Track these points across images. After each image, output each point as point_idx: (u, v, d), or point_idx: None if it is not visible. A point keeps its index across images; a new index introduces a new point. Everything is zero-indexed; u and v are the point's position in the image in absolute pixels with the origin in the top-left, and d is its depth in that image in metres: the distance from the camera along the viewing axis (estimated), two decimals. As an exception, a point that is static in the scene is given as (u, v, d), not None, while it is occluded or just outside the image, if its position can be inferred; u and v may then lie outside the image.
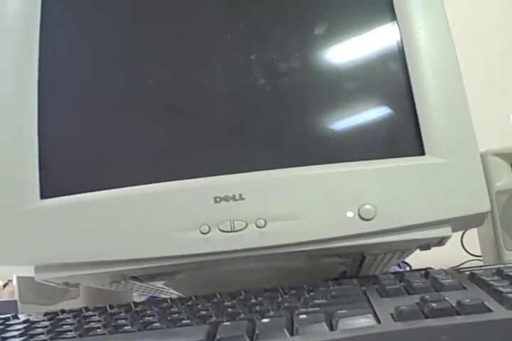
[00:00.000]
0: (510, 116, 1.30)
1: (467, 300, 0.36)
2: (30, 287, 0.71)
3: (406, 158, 0.51)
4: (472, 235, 0.82)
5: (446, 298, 0.38)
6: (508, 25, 1.43)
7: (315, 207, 0.50)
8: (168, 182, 0.52)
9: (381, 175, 0.50)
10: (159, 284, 0.62)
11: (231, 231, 0.50)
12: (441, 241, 0.53)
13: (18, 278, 0.73)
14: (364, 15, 0.56)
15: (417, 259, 0.75)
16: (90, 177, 0.55)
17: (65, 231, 0.52)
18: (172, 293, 0.74)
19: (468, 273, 0.46)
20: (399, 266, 0.92)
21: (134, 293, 0.82)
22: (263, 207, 0.50)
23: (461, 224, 0.52)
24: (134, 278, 0.58)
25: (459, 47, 0.54)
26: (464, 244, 0.88)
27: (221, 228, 0.50)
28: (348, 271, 0.64)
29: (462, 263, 0.90)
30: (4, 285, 1.07)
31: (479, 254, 0.82)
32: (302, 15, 0.57)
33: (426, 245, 0.53)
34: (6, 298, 1.05)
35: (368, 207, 0.50)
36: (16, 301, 0.76)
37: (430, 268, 0.90)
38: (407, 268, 0.91)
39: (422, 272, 0.48)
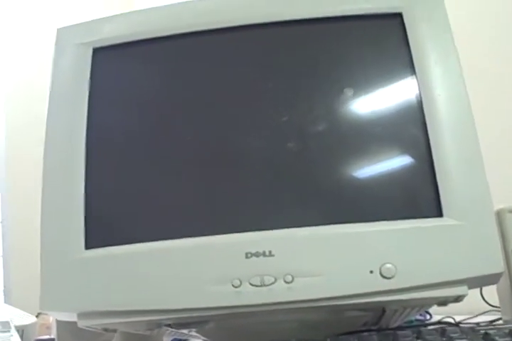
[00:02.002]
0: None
1: (479, 363, 0.39)
2: (67, 329, 0.75)
3: (425, 220, 0.55)
4: (492, 285, 0.85)
5: (459, 359, 0.41)
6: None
7: (339, 265, 0.54)
8: (204, 237, 0.56)
9: (402, 235, 0.54)
10: (193, 332, 0.65)
11: (261, 286, 0.54)
12: (457, 299, 0.56)
13: (58, 320, 0.77)
14: (387, 81, 0.61)
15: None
16: (131, 230, 0.59)
17: (106, 280, 0.57)
18: (200, 338, 0.78)
19: (483, 332, 0.49)
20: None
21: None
22: (291, 264, 0.54)
23: (477, 282, 0.55)
24: (168, 325, 0.61)
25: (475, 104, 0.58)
26: (484, 293, 0.90)
27: (252, 282, 0.54)
28: (370, 322, 0.67)
29: (481, 314, 0.92)
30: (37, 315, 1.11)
31: (498, 305, 0.84)
32: (330, 81, 0.61)
33: (443, 302, 0.57)
34: (38, 330, 1.09)
35: (388, 266, 0.53)
36: (53, 339, 0.81)
37: (450, 316, 0.92)
38: (428, 316, 0.94)
39: (439, 329, 0.51)
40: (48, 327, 1.16)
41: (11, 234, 2.00)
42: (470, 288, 0.55)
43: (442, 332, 0.50)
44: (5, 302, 1.89)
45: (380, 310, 0.60)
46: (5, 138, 2.03)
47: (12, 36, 2.08)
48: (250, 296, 0.54)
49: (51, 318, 1.00)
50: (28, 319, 0.99)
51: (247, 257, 0.55)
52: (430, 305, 0.60)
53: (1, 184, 2.03)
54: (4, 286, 1.98)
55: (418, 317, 0.92)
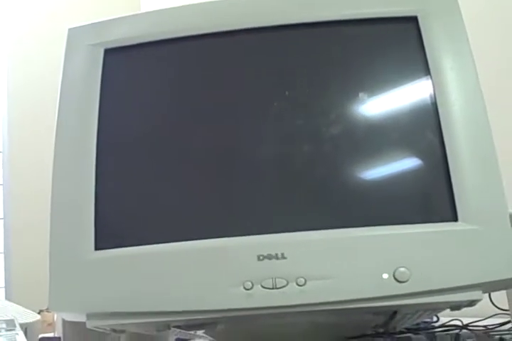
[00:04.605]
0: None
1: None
2: (74, 329, 0.75)
3: (440, 224, 0.54)
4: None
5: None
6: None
7: (353, 268, 0.53)
8: (215, 239, 0.56)
9: (417, 239, 0.54)
10: (199, 332, 0.65)
11: (273, 288, 0.53)
12: (471, 303, 0.55)
13: (64, 320, 0.77)
14: (403, 86, 0.60)
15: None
16: (141, 232, 0.59)
17: (116, 282, 0.56)
18: (206, 338, 0.78)
19: (497, 337, 0.49)
20: (426, 315, 0.93)
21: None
22: (303, 266, 0.54)
23: (492, 287, 0.55)
24: (177, 326, 0.61)
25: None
26: (492, 297, 0.89)
27: (263, 285, 0.53)
28: (380, 325, 0.66)
29: (490, 317, 0.91)
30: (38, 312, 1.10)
31: (507, 308, 0.83)
32: (344, 86, 0.61)
33: (457, 306, 0.56)
34: (40, 327, 1.08)
35: (402, 269, 0.53)
36: (59, 338, 0.80)
37: (457, 318, 0.92)
38: (435, 319, 0.93)
39: (453, 334, 0.50)
40: (50, 324, 1.16)
41: (12, 231, 2.00)
42: (484, 292, 0.54)
43: (456, 337, 0.49)
44: (6, 298, 1.88)
45: (391, 314, 0.60)
46: (8, 134, 2.03)
47: (18, 34, 2.07)
48: (262, 299, 0.53)
49: (55, 316, 0.99)
50: (31, 316, 0.99)
51: (259, 259, 0.54)
52: (443, 309, 0.60)
53: (3, 181, 2.03)
54: (5, 283, 1.97)
55: (426, 319, 0.92)
